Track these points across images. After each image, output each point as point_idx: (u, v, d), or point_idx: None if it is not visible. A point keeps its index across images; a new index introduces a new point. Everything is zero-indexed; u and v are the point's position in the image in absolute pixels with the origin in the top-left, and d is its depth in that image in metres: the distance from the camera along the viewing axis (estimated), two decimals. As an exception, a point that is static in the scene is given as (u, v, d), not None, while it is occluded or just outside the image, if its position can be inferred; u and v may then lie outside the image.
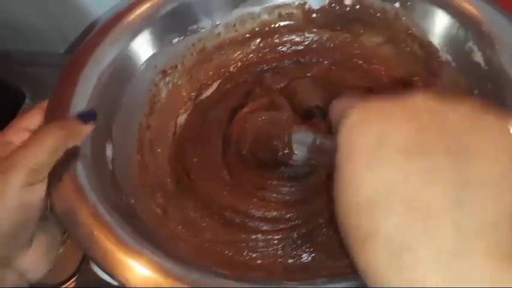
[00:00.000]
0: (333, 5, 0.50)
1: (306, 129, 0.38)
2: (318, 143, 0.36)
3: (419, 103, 0.23)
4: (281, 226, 0.41)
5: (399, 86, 0.49)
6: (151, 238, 0.33)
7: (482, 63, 0.40)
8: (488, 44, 0.39)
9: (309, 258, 0.39)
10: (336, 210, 0.24)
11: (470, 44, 0.41)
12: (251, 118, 0.44)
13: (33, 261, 0.33)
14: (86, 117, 0.37)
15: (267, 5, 0.51)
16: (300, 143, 0.36)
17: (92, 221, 0.31)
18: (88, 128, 0.37)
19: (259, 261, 0.39)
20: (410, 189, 0.21)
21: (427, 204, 0.21)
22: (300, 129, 0.39)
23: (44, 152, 0.31)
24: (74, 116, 0.37)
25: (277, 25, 0.53)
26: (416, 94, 0.24)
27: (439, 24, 0.44)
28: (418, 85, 0.48)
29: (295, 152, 0.36)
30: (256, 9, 0.51)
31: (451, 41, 0.43)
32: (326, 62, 0.52)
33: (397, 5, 0.47)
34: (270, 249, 0.39)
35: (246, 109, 0.46)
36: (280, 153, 0.38)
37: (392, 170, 0.22)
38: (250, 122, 0.44)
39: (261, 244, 0.40)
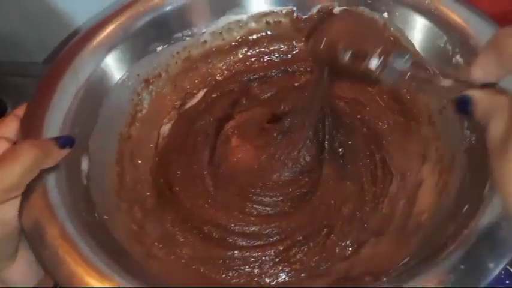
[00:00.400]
0: (322, 13, 0.49)
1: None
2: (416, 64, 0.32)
3: None
4: (259, 242, 0.40)
5: (387, 97, 0.48)
6: (123, 258, 0.32)
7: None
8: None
9: (286, 277, 0.38)
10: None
11: (458, 57, 0.40)
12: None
13: (20, 272, 0.33)
14: (62, 141, 0.35)
15: (254, 13, 0.50)
16: (398, 60, 0.33)
17: (59, 242, 0.30)
18: (64, 152, 0.35)
19: (235, 281, 0.38)
20: None
21: None
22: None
23: (18, 172, 0.31)
24: (51, 138, 0.36)
25: (264, 33, 0.52)
26: None
27: (427, 36, 0.43)
28: (407, 97, 0.47)
29: (394, 66, 0.33)
30: (244, 17, 0.50)
31: (439, 53, 0.42)
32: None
33: (385, 15, 0.46)
34: (246, 268, 0.39)
35: None
36: (374, 61, 0.33)
37: None
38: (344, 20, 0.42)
39: (238, 262, 0.39)
